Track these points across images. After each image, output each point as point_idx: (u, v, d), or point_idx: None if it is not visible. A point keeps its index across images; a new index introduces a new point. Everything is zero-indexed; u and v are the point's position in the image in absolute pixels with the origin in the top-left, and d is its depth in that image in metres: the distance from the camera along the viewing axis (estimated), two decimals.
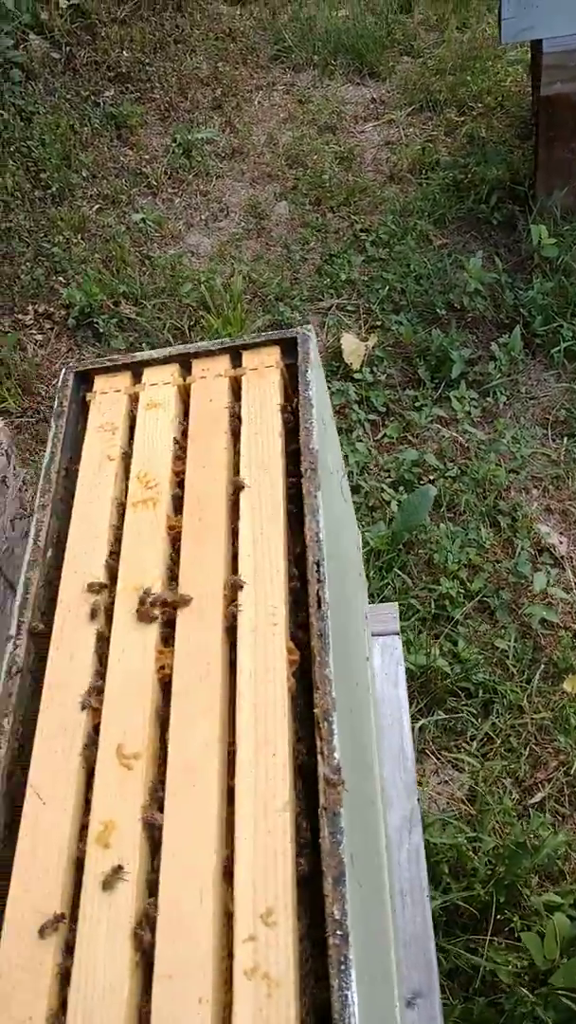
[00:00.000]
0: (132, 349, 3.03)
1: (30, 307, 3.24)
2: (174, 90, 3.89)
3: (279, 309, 3.03)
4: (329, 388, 2.75)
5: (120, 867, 0.82)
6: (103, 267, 3.26)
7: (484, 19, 3.96)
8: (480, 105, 3.60)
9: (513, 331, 2.76)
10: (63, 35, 4.09)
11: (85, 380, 1.28)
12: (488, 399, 2.68)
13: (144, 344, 3.00)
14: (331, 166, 3.53)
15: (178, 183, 3.59)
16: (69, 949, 0.80)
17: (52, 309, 3.22)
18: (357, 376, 2.77)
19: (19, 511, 1.39)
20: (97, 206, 3.51)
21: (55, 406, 1.24)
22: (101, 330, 3.08)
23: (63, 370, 1.30)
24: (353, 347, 2.86)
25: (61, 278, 3.28)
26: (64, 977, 0.79)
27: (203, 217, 3.47)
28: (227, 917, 0.80)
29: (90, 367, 1.28)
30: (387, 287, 3.01)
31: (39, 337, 3.17)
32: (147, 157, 3.67)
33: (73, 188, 3.56)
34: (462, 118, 3.61)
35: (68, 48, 4.07)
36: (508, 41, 2.61)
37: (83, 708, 0.93)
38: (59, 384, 1.27)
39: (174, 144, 3.69)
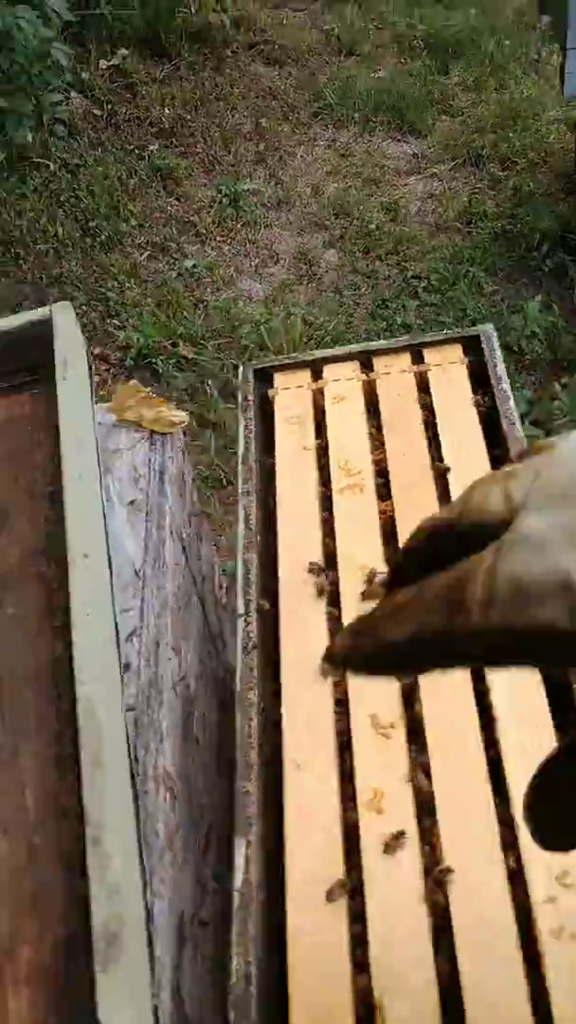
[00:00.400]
0: (193, 389, 3.06)
1: (86, 349, 3.26)
2: (217, 144, 3.99)
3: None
4: None
5: (402, 832, 0.81)
6: (157, 310, 3.30)
7: (522, 81, 4.10)
8: (523, 160, 3.71)
9: (574, 374, 2.81)
10: (104, 93, 4.19)
11: (263, 377, 1.30)
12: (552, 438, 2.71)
13: (207, 383, 3.03)
14: (377, 216, 3.61)
15: (226, 231, 3.65)
16: (356, 916, 0.78)
17: (108, 351, 3.24)
18: None
19: (192, 507, 1.39)
20: (147, 253, 3.56)
21: (239, 401, 1.25)
22: (160, 370, 3.10)
23: (242, 367, 1.32)
24: None
25: (115, 321, 3.31)
26: (356, 941, 0.77)
27: (253, 264, 3.53)
28: (517, 879, 0.78)
29: (268, 364, 1.30)
30: (444, 330, 3.06)
31: (96, 379, 3.18)
32: (194, 207, 3.74)
33: (122, 236, 3.61)
34: (505, 172, 3.71)
35: (110, 105, 4.17)
36: (571, 95, 2.71)
37: (326, 681, 0.93)
38: (240, 380, 1.29)
39: (220, 195, 3.77)
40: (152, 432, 1.32)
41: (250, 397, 1.23)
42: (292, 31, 4.57)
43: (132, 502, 1.25)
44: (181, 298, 3.33)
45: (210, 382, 3.01)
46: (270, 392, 1.25)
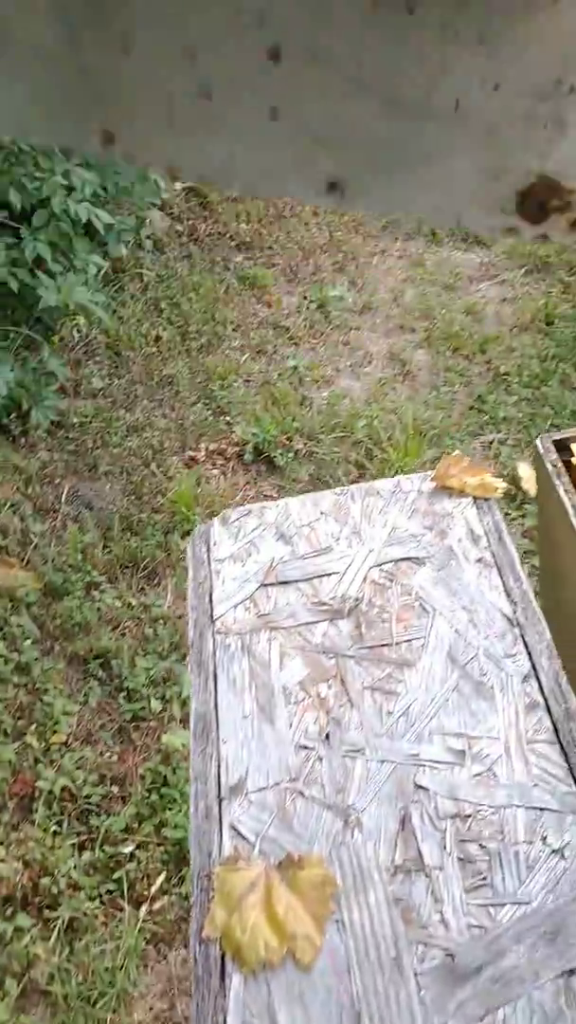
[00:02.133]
0: (314, 481, 3.24)
1: (201, 445, 3.45)
2: (297, 256, 4.27)
3: (444, 443, 3.29)
4: (522, 512, 2.98)
5: None
6: (267, 407, 3.50)
7: None
8: None
9: None
10: (182, 211, 4.49)
11: (560, 449, 1.48)
12: None
13: (328, 477, 3.22)
14: (459, 318, 3.88)
15: (317, 335, 3.90)
16: None
17: (224, 446, 3.43)
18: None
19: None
20: (247, 355, 3.79)
21: (548, 468, 1.44)
22: (278, 463, 3.29)
23: (539, 438, 1.50)
24: (528, 474, 3.11)
25: (227, 418, 3.51)
26: None
27: (348, 364, 3.77)
28: None
29: (567, 435, 1.49)
30: (548, 422, 3.30)
31: (215, 472, 3.36)
32: (284, 312, 4.00)
33: (221, 339, 3.84)
34: (573, 278, 4.02)
35: (190, 222, 4.46)
36: None
37: None
38: (542, 451, 1.47)
39: (307, 301, 4.03)
40: (475, 497, 1.49)
41: (552, 466, 1.41)
42: None
43: (480, 560, 1.41)
44: (287, 395, 3.54)
45: (329, 477, 3.20)
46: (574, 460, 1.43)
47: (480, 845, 1.11)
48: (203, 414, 3.53)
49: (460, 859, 1.10)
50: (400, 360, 3.75)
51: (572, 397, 3.40)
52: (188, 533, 3.10)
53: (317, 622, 1.38)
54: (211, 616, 1.41)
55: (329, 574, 1.44)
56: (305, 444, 3.39)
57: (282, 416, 3.45)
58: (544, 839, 1.10)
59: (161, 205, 4.51)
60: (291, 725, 1.26)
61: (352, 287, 4.13)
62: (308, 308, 4.01)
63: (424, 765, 1.19)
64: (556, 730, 1.20)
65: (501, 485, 1.49)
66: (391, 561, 1.44)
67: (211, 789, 1.20)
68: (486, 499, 1.49)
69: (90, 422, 3.54)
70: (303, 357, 3.77)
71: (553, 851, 1.09)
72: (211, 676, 1.33)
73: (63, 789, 2.41)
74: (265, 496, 3.26)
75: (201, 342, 3.83)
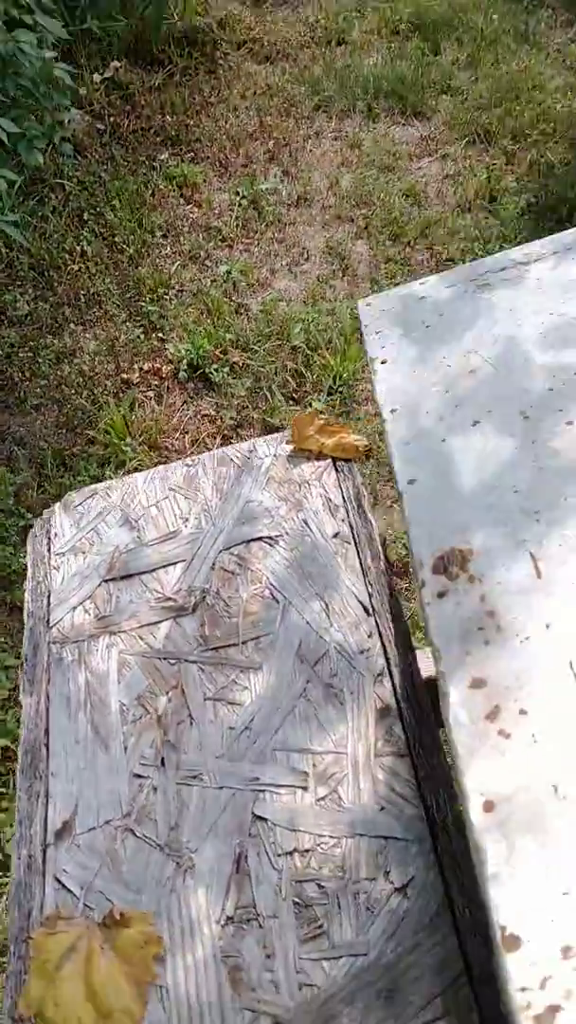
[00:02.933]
0: (252, 396, 3.06)
1: (135, 366, 3.26)
2: (227, 147, 3.96)
3: None
4: None
5: None
6: (200, 319, 3.29)
7: (516, 54, 4.09)
8: (535, 132, 3.71)
9: None
10: (103, 107, 4.16)
11: None
12: None
13: (265, 390, 3.03)
14: (399, 202, 3.61)
15: (252, 233, 3.64)
16: None
17: (158, 365, 3.23)
18: None
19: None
20: (178, 263, 3.54)
21: None
22: (215, 379, 3.10)
23: None
24: None
25: (160, 334, 3.30)
26: None
27: (285, 263, 3.52)
28: None
29: None
30: None
31: (150, 394, 3.18)
32: (215, 212, 3.73)
33: (150, 248, 3.60)
34: (517, 146, 3.71)
35: (112, 119, 4.13)
36: None
37: None
38: None
39: (238, 197, 3.75)
40: (335, 459, 1.33)
41: None
42: (278, 27, 4.54)
43: (336, 534, 1.25)
44: (222, 304, 3.32)
45: (269, 387, 3.01)
46: None
47: (319, 885, 0.99)
48: (134, 333, 3.32)
49: (296, 903, 0.98)
50: (339, 254, 3.50)
51: None
52: (123, 465, 2.96)
53: (160, 622, 1.24)
54: (47, 622, 1.27)
55: (175, 563, 1.29)
56: (241, 356, 3.19)
57: (216, 328, 3.24)
58: (387, 874, 0.98)
59: (79, 103, 4.18)
60: (126, 749, 1.13)
61: (286, 177, 3.84)
62: (240, 205, 3.73)
63: (265, 791, 1.07)
64: (408, 739, 1.06)
65: (362, 443, 1.32)
66: (242, 542, 1.29)
67: (36, 834, 1.09)
68: (347, 461, 1.33)
69: (16, 352, 3.34)
70: (237, 260, 3.53)
71: (396, 889, 0.97)
72: (43, 696, 1.20)
73: None
74: (203, 416, 3.09)
75: (129, 253, 3.58)
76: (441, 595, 0.92)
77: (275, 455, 1.36)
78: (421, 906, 0.95)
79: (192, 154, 3.98)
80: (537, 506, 0.97)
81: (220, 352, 3.19)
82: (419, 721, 1.07)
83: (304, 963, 0.94)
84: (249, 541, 1.28)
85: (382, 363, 1.20)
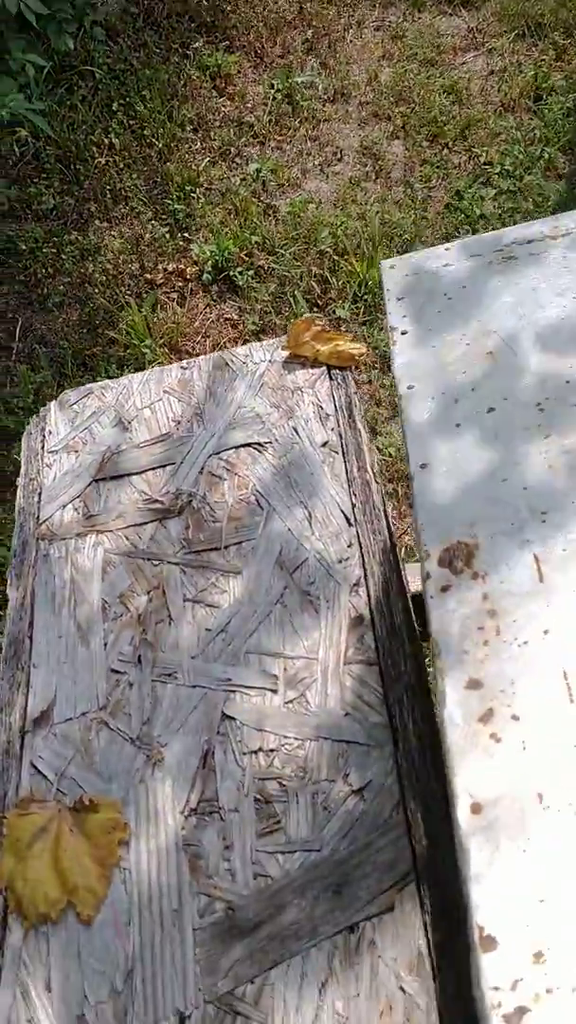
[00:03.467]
0: (275, 301, 3.02)
1: (159, 266, 3.21)
2: (263, 36, 3.82)
3: (416, 248, 3.00)
4: None
5: None
6: (228, 219, 3.23)
7: None
8: None
9: None
10: None
11: None
12: None
13: (289, 296, 2.98)
14: (439, 100, 3.47)
15: (285, 130, 3.54)
16: None
17: (183, 266, 3.19)
18: None
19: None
20: (207, 159, 3.46)
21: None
22: (239, 283, 3.06)
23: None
24: None
25: (186, 234, 3.25)
26: None
27: (317, 163, 3.42)
28: None
29: None
30: (528, 219, 2.98)
31: (173, 295, 3.15)
32: (248, 106, 3.62)
33: (179, 143, 3.51)
34: (569, 41, 3.54)
35: (145, 2, 3.99)
36: None
37: None
38: None
39: (273, 91, 3.63)
40: (330, 367, 1.32)
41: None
42: None
43: (325, 443, 1.25)
44: (250, 204, 3.25)
45: (293, 292, 2.97)
46: None
47: (280, 784, 1.02)
48: (160, 231, 3.27)
49: (257, 799, 1.01)
50: (373, 154, 3.39)
51: (555, 187, 3.05)
52: (142, 368, 2.95)
53: (146, 523, 1.25)
54: (37, 519, 1.29)
55: (165, 465, 1.30)
56: (267, 260, 3.13)
57: (242, 230, 3.18)
58: (346, 776, 1.01)
59: None
60: (106, 645, 1.16)
61: (323, 70, 3.70)
62: (274, 99, 3.61)
63: (236, 691, 1.09)
64: (378, 649, 1.08)
65: (358, 351, 1.30)
66: (231, 448, 1.29)
67: (15, 721, 1.13)
68: (341, 369, 1.31)
69: (40, 248, 3.31)
70: (268, 158, 3.44)
71: (353, 791, 0.99)
72: (29, 591, 1.23)
73: None
74: (225, 320, 3.06)
75: (158, 148, 3.50)
76: (444, 589, 0.93)
77: (271, 360, 1.35)
78: (376, 808, 0.98)
79: (227, 42, 3.85)
80: (544, 506, 0.97)
81: (245, 255, 3.13)
82: (390, 632, 1.08)
83: (260, 855, 0.98)
84: (238, 447, 1.28)
85: (403, 334, 1.18)
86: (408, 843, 0.94)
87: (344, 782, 1.00)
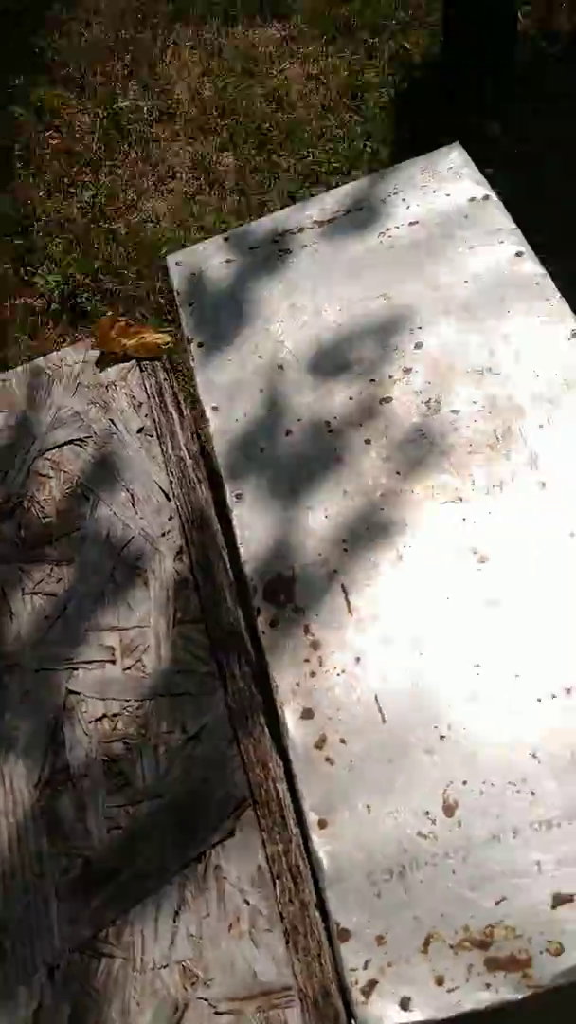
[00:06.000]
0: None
1: (6, 303, 3.25)
2: (83, 66, 3.90)
3: None
4: None
5: None
6: (70, 248, 3.29)
7: None
8: (393, 23, 3.70)
9: None
10: None
11: None
12: None
13: (137, 312, 3.06)
14: (262, 109, 3.60)
15: (116, 155, 3.61)
16: None
17: (30, 300, 3.24)
18: None
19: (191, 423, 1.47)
20: (42, 192, 3.52)
21: None
22: (88, 308, 3.12)
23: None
24: None
25: (29, 268, 3.30)
26: None
27: (151, 182, 3.51)
28: None
29: None
30: None
31: (26, 329, 3.19)
32: (77, 136, 3.69)
33: (14, 178, 3.56)
34: (377, 39, 3.71)
35: None
36: None
37: None
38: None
39: (99, 119, 3.71)
40: (139, 359, 1.39)
41: None
42: None
43: (141, 429, 1.33)
44: (90, 231, 3.32)
45: (138, 312, 3.04)
46: None
47: (125, 744, 1.09)
48: (4, 268, 3.31)
49: (105, 761, 1.08)
50: (205, 168, 3.49)
51: None
52: None
53: None
54: None
55: None
56: (113, 283, 3.20)
57: (85, 257, 3.24)
58: (183, 726, 1.08)
59: None
60: None
61: (146, 92, 3.80)
62: (102, 126, 3.69)
63: (78, 668, 1.16)
64: (202, 606, 1.16)
65: (163, 340, 1.38)
66: (55, 447, 1.36)
67: None
68: (151, 360, 1.39)
69: None
70: (103, 184, 3.51)
71: (189, 738, 1.07)
72: None
73: None
74: None
75: None
76: (273, 624, 1.05)
77: (83, 361, 1.42)
78: (211, 748, 1.05)
79: (48, 76, 3.92)
80: (343, 534, 1.08)
81: (91, 281, 3.20)
82: (213, 588, 1.16)
83: (111, 810, 1.04)
84: (61, 445, 1.35)
85: (199, 346, 1.28)
86: (244, 773, 1.02)
87: (181, 732, 1.08)
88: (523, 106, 3.19)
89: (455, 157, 1.46)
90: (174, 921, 0.95)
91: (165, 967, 0.93)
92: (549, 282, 1.24)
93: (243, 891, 0.95)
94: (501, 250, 1.29)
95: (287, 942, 0.91)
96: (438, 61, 3.51)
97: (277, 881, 0.94)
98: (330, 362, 1.23)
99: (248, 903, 0.94)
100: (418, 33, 3.68)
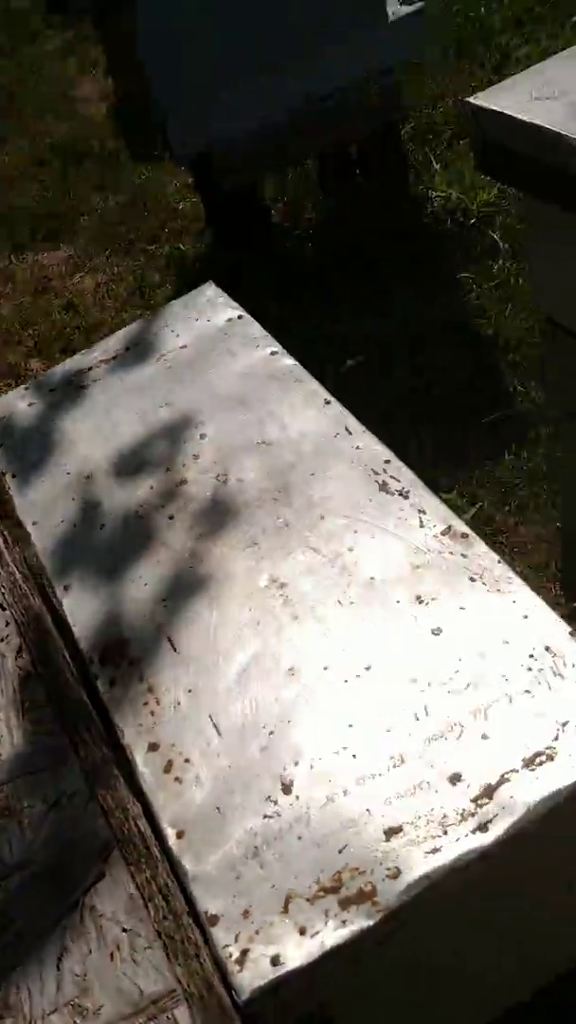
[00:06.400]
0: None
1: None
2: None
3: None
4: None
5: None
6: None
7: (137, 170, 4.56)
8: (166, 231, 4.14)
9: None
10: None
11: None
12: None
13: None
14: (62, 318, 3.91)
15: None
16: None
17: None
18: None
19: None
20: None
21: None
22: None
23: None
24: None
25: None
26: None
27: None
28: None
29: None
30: None
31: None
32: None
33: None
34: (154, 247, 4.13)
35: None
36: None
37: None
38: None
39: None
40: None
41: None
42: None
43: None
44: None
45: None
46: None
47: None
48: None
49: None
50: (16, 374, 3.73)
51: None
52: None
53: None
54: None
55: None
56: None
57: None
58: (44, 798, 1.15)
59: None
60: None
61: None
62: None
63: None
64: (47, 694, 1.25)
65: None
66: None
67: None
68: None
69: None
70: None
71: (50, 807, 1.14)
72: None
73: None
74: None
75: None
76: (112, 683, 1.20)
77: None
78: (72, 809, 1.12)
79: None
80: (163, 593, 1.25)
81: None
82: (55, 674, 1.26)
83: None
84: None
85: (13, 476, 1.45)
86: (105, 820, 1.09)
87: (43, 803, 1.14)
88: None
89: (211, 292, 1.71)
90: (58, 968, 1.00)
91: (54, 1011, 0.97)
92: (301, 369, 1.47)
93: (119, 921, 1.01)
94: (258, 352, 1.52)
95: (166, 953, 0.97)
96: (209, 255, 3.94)
97: (150, 903, 1.01)
98: (130, 464, 1.40)
99: (126, 930, 1.00)
100: (187, 238, 4.13)
